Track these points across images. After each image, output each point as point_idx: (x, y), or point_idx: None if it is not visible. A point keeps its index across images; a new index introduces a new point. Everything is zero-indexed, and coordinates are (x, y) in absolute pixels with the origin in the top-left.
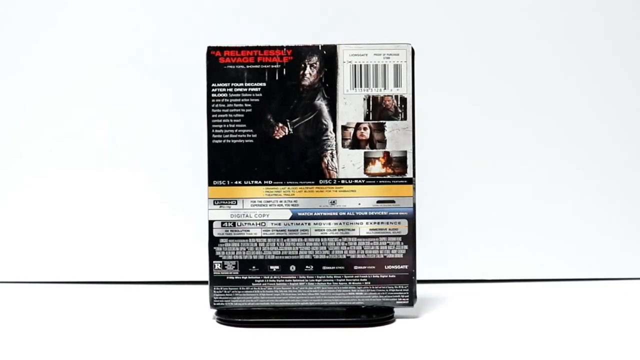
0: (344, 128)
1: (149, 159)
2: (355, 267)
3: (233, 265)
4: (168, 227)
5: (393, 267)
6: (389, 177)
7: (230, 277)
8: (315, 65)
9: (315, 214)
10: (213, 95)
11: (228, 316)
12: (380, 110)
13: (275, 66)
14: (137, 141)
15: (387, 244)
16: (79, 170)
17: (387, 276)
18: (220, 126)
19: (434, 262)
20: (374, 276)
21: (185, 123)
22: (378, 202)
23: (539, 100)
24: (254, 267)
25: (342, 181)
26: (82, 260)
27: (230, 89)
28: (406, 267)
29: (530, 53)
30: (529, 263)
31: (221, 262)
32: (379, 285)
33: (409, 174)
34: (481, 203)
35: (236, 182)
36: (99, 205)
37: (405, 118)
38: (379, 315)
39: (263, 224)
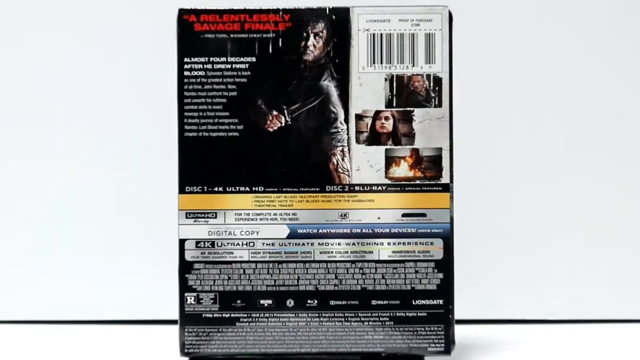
0: (359, 118)
1: (99, 157)
2: (374, 302)
3: (211, 298)
4: (125, 248)
5: (423, 302)
6: (418, 182)
7: (208, 315)
8: (321, 34)
9: (320, 231)
10: (186, 73)
11: None
12: (407, 95)
13: (268, 35)
14: (85, 134)
15: (416, 272)
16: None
17: (415, 314)
18: (195, 114)
19: (477, 297)
20: (398, 314)
21: (149, 110)
22: (404, 215)
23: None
24: (239, 301)
25: (357, 188)
26: (17, 296)
27: (209, 65)
28: (441, 302)
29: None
30: (598, 301)
31: (195, 294)
32: (405, 326)
33: (445, 179)
34: (536, 219)
35: (216, 189)
36: (34, 218)
37: (439, 105)
38: None
39: (251, 245)
